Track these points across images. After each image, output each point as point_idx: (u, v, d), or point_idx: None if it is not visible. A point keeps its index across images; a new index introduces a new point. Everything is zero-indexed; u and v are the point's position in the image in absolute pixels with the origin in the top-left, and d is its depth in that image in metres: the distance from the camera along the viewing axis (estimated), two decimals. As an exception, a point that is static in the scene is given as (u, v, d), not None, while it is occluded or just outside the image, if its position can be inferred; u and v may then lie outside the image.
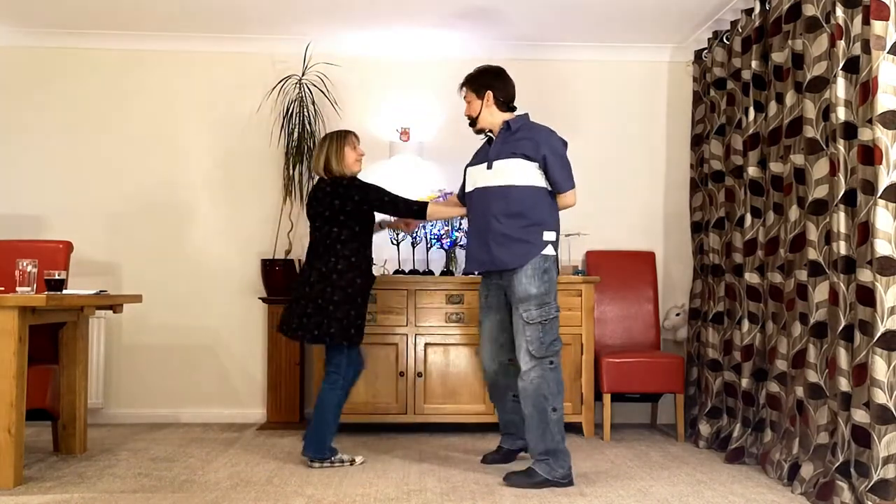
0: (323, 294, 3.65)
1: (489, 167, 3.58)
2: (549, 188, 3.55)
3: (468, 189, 3.72)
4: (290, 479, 3.54)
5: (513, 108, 3.70)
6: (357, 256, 3.72)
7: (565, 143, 3.61)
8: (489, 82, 3.68)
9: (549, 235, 3.51)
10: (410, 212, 3.82)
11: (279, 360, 4.77)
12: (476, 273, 3.76)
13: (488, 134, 3.73)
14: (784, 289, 3.71)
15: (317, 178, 3.92)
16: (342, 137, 3.83)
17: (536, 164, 3.51)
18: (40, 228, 5.03)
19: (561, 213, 4.29)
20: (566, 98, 5.21)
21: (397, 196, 3.80)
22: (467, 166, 3.78)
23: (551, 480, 3.39)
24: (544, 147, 3.51)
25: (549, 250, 3.51)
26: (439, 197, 4.73)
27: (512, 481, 3.43)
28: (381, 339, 4.55)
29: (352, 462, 3.81)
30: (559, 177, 3.52)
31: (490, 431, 4.69)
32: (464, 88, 3.76)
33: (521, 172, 3.50)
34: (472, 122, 3.72)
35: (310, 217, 3.83)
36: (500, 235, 3.50)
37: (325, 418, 3.71)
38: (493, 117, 3.66)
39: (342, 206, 3.69)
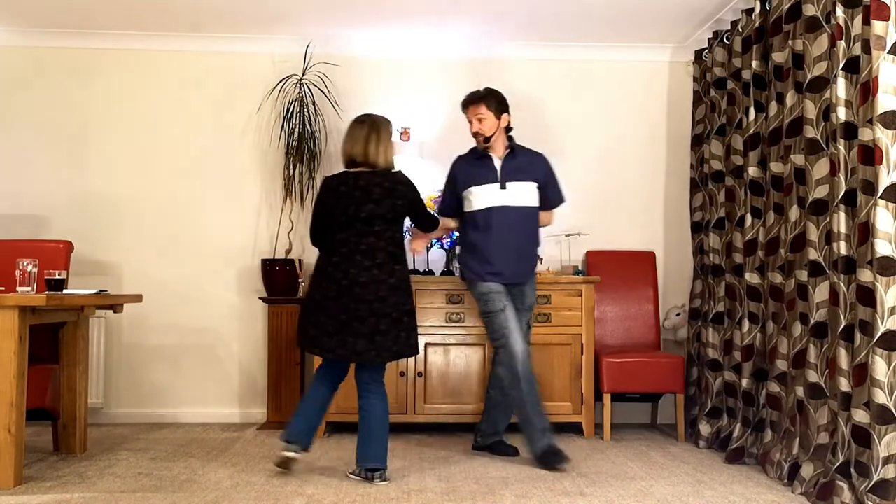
0: (398, 306, 3.42)
1: (503, 187, 3.88)
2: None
3: (479, 207, 3.90)
4: (290, 479, 3.54)
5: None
6: (405, 260, 3.55)
7: None
8: (505, 106, 3.94)
9: (540, 251, 4.09)
10: (432, 226, 3.77)
11: (279, 360, 4.77)
12: (492, 282, 3.90)
13: (485, 152, 3.94)
14: (784, 289, 3.71)
15: (352, 168, 3.59)
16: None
17: (537, 186, 3.96)
18: (40, 228, 5.03)
19: (561, 212, 4.35)
20: (566, 98, 5.21)
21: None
22: (470, 186, 3.93)
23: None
24: (546, 170, 4.01)
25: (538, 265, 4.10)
26: (440, 197, 4.72)
27: (554, 463, 3.74)
28: (382, 339, 4.55)
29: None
30: (556, 196, 4.07)
31: (490, 431, 4.69)
32: (480, 105, 3.86)
33: (532, 195, 3.94)
34: (487, 139, 3.90)
35: (364, 213, 3.47)
36: (523, 251, 3.92)
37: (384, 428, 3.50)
38: (502, 139, 3.95)
39: (401, 207, 3.50)
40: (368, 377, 3.50)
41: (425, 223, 3.73)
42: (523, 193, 3.90)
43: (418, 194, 3.60)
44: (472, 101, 3.91)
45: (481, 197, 3.89)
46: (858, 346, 3.08)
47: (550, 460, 3.72)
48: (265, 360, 4.96)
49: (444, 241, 4.80)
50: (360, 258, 3.42)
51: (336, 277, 3.41)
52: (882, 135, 3.01)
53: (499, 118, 3.90)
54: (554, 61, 5.22)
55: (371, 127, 3.58)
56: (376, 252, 3.44)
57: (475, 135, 3.92)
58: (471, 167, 3.96)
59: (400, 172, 3.57)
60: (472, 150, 4.00)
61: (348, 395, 4.48)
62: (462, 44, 5.13)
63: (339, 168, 3.68)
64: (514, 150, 3.95)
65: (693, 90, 5.04)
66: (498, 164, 3.92)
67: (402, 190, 3.50)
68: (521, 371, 3.76)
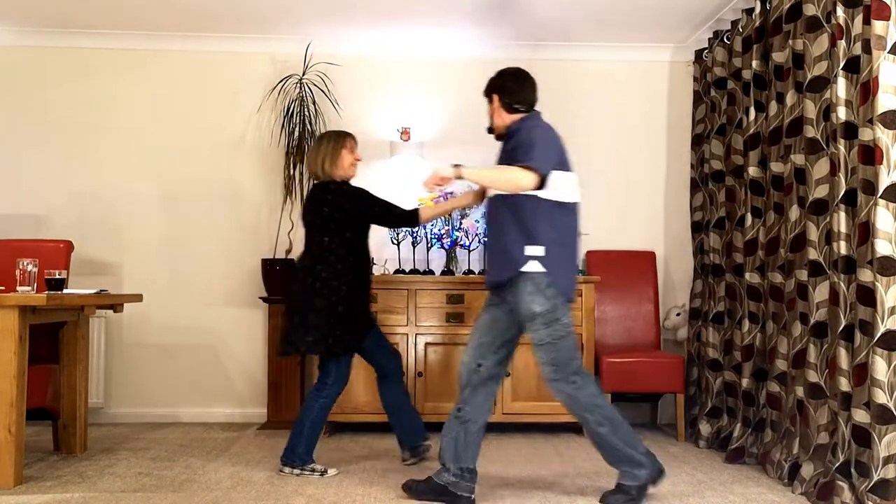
0: (305, 303, 3.59)
1: None
2: (552, 198, 3.12)
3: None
4: (290, 479, 3.54)
5: (527, 110, 3.29)
6: (344, 264, 3.61)
7: (552, 136, 3.20)
8: (499, 84, 3.34)
9: (532, 250, 3.09)
10: (402, 219, 3.71)
11: (279, 360, 4.77)
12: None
13: None
14: (784, 289, 3.71)
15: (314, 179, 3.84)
16: (341, 139, 3.74)
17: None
18: (40, 228, 5.03)
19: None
20: (567, 98, 5.20)
21: (389, 204, 3.69)
22: None
23: (642, 486, 3.15)
24: (518, 137, 3.15)
25: (532, 266, 3.08)
26: (439, 197, 4.72)
27: (609, 501, 3.18)
28: (382, 339, 4.55)
29: (323, 473, 3.62)
30: (517, 154, 3.10)
31: (491, 431, 4.68)
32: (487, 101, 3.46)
33: None
34: (490, 130, 3.40)
35: (303, 224, 3.76)
36: (493, 248, 3.21)
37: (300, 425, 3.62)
38: (502, 121, 3.31)
39: (330, 214, 3.60)
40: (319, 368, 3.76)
41: (384, 221, 3.71)
42: None
43: (356, 200, 3.63)
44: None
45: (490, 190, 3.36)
46: (858, 346, 3.08)
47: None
48: (265, 360, 4.97)
49: (444, 242, 4.80)
50: (300, 259, 3.73)
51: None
52: (882, 135, 3.01)
53: (492, 102, 3.35)
54: (554, 61, 5.22)
55: (315, 141, 3.85)
56: (306, 255, 3.68)
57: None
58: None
59: (333, 182, 3.65)
60: None
61: (349, 394, 4.48)
62: (462, 44, 5.13)
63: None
64: (509, 131, 3.26)
65: (693, 90, 5.04)
66: None
67: (329, 199, 3.62)
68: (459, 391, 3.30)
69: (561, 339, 3.11)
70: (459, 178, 3.15)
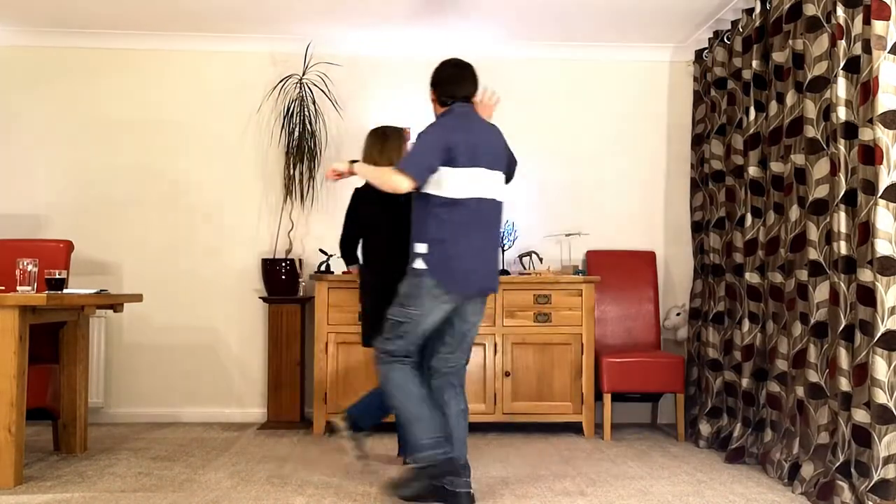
0: (363, 303, 3.83)
1: None
2: (441, 195, 3.11)
3: None
4: (290, 479, 3.54)
5: (452, 104, 3.30)
6: (384, 261, 3.69)
7: (442, 134, 3.14)
8: (433, 78, 3.37)
9: (419, 247, 3.13)
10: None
11: (279, 360, 4.77)
12: None
13: None
14: (784, 289, 3.71)
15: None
16: (402, 134, 3.79)
17: None
18: (40, 228, 5.03)
19: (561, 212, 4.28)
20: (566, 97, 5.21)
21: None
22: None
23: (419, 469, 3.07)
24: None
25: (417, 263, 3.12)
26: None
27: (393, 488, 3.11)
28: (382, 339, 4.55)
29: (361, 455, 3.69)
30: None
31: (491, 431, 4.69)
32: None
33: None
34: None
35: (353, 222, 3.84)
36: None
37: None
38: (436, 113, 3.36)
39: (387, 209, 3.66)
40: None
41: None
42: None
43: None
44: None
45: None
46: (859, 346, 3.08)
47: None
48: (265, 360, 4.97)
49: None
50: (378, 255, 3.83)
51: None
52: (882, 134, 3.01)
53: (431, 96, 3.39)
54: (554, 61, 5.22)
55: (374, 137, 3.91)
56: (361, 256, 3.88)
57: None
58: None
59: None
60: None
61: (350, 395, 4.48)
62: (462, 44, 5.12)
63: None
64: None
65: (693, 90, 5.04)
66: None
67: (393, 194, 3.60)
68: None
69: (398, 322, 3.15)
70: (353, 173, 3.30)
